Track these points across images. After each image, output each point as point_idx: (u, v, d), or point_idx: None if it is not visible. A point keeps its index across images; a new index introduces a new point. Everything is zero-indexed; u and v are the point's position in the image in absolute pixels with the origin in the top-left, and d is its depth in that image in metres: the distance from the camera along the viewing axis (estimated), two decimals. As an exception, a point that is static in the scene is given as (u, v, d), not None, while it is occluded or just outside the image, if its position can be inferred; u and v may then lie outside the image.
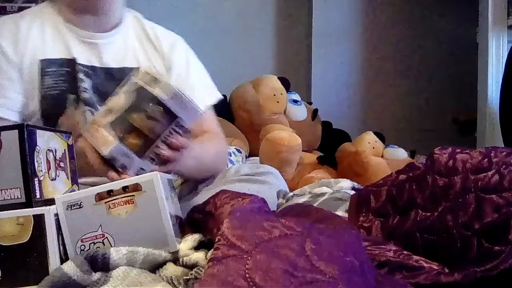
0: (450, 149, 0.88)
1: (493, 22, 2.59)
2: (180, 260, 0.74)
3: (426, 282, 0.70)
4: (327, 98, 3.02)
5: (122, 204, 0.74)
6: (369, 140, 2.41)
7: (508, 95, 2.32)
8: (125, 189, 0.75)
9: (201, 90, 1.32)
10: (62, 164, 0.83)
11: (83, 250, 0.73)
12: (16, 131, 0.73)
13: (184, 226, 0.86)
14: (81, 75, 1.18)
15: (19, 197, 0.73)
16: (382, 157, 2.39)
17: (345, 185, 1.22)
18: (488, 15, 2.59)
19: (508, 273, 0.67)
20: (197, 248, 0.77)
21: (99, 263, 0.69)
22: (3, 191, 0.73)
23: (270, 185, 1.22)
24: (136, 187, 0.75)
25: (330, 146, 2.47)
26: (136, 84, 0.93)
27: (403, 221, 0.87)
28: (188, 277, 0.69)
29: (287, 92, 2.55)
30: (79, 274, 0.66)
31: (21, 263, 0.70)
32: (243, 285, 0.53)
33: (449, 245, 0.77)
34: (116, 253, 0.70)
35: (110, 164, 0.92)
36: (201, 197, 1.07)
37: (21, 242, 0.71)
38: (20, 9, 2.31)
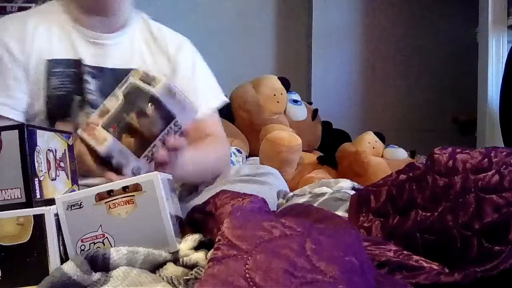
0: (450, 149, 0.88)
1: (493, 22, 2.59)
2: (180, 260, 0.74)
3: (426, 282, 0.70)
4: (327, 98, 3.02)
5: (122, 204, 0.74)
6: (369, 140, 2.41)
7: (508, 95, 2.32)
8: (125, 189, 0.74)
9: (206, 93, 1.32)
10: (62, 164, 0.83)
11: (83, 250, 0.73)
12: (16, 131, 0.73)
13: (184, 226, 0.86)
14: (87, 77, 1.18)
15: (19, 197, 0.73)
16: (382, 157, 2.39)
17: (345, 185, 1.22)
18: (488, 15, 2.59)
19: (508, 273, 0.67)
20: (197, 248, 0.76)
21: (99, 263, 0.69)
22: (3, 191, 0.72)
23: (270, 186, 1.22)
24: (136, 187, 0.75)
25: (330, 146, 2.47)
26: (133, 84, 0.93)
27: (403, 221, 0.87)
28: (188, 277, 0.69)
29: (287, 92, 2.55)
30: (79, 274, 0.66)
31: (21, 263, 0.70)
32: (243, 285, 0.53)
33: (449, 245, 0.77)
34: (116, 253, 0.70)
35: (107, 165, 0.92)
36: (201, 197, 1.07)
37: (21, 242, 0.71)
38: (20, 9, 2.31)
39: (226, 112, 2.39)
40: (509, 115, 2.33)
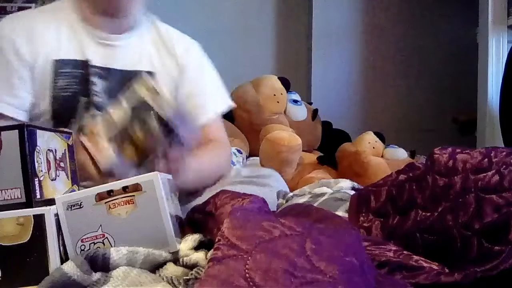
0: (450, 149, 0.88)
1: (493, 22, 2.59)
2: (180, 260, 0.74)
3: (426, 282, 0.70)
4: (327, 98, 3.02)
5: (122, 204, 0.74)
6: (369, 140, 2.41)
7: (508, 95, 2.32)
8: (125, 189, 0.75)
9: (212, 97, 1.32)
10: (62, 164, 0.83)
11: (83, 250, 0.73)
12: (17, 131, 0.73)
13: (184, 226, 0.86)
14: (93, 78, 1.18)
15: (19, 197, 0.73)
16: (382, 157, 2.39)
17: (345, 185, 1.22)
18: (488, 15, 2.59)
19: (508, 273, 0.67)
20: (197, 248, 0.76)
21: (99, 263, 0.69)
22: (3, 191, 0.72)
23: (271, 188, 1.22)
24: (136, 187, 0.75)
25: (330, 146, 2.47)
26: (139, 96, 0.92)
27: (403, 221, 0.87)
28: (188, 277, 0.69)
29: (287, 92, 2.55)
30: (79, 274, 0.66)
31: (21, 263, 0.70)
32: (243, 285, 0.53)
33: (449, 245, 0.77)
34: (116, 253, 0.70)
35: (108, 175, 0.92)
36: (201, 198, 1.07)
37: (21, 242, 0.71)
38: (20, 9, 2.31)
39: (226, 112, 2.39)
40: (509, 115, 2.33)
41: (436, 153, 0.89)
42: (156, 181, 0.75)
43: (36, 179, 0.74)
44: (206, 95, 1.29)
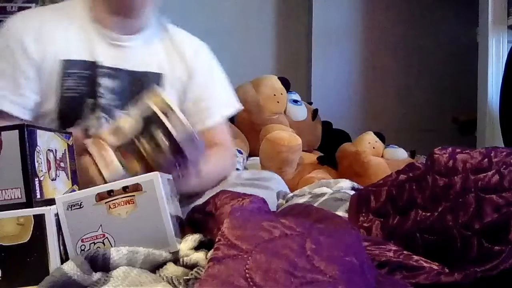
0: (450, 149, 0.88)
1: (493, 22, 2.59)
2: (181, 260, 0.74)
3: (426, 282, 0.70)
4: (327, 98, 3.02)
5: (122, 204, 0.74)
6: (369, 140, 2.41)
7: (508, 95, 2.32)
8: (125, 189, 0.75)
9: (220, 100, 1.32)
10: (62, 164, 0.83)
11: (84, 250, 0.73)
12: (17, 131, 0.73)
13: (184, 226, 0.86)
14: (101, 79, 1.17)
15: (20, 197, 0.73)
16: (382, 157, 2.39)
17: (345, 185, 1.22)
18: (488, 15, 2.59)
19: (508, 273, 0.67)
20: (197, 248, 0.77)
21: (100, 263, 0.69)
22: (3, 191, 0.73)
23: (272, 190, 1.22)
24: (137, 187, 0.75)
25: (330, 146, 2.47)
26: (151, 110, 0.91)
27: (403, 221, 0.87)
28: (188, 277, 0.69)
29: (287, 92, 2.55)
30: (79, 274, 0.66)
31: (21, 263, 0.70)
32: (243, 285, 0.53)
33: (449, 245, 0.77)
34: (117, 253, 0.70)
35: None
36: (202, 199, 1.06)
37: (22, 242, 0.71)
38: (20, 9, 2.31)
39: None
40: (509, 115, 2.33)
41: (436, 153, 0.89)
42: (156, 181, 0.75)
43: (36, 179, 0.74)
44: (214, 98, 1.29)
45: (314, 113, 2.60)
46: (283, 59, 3.13)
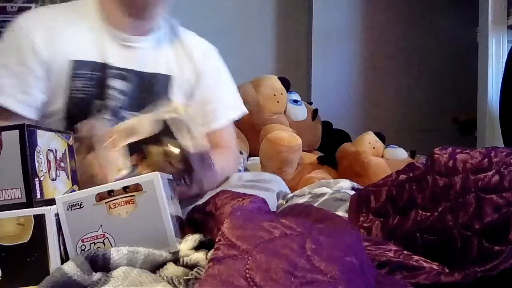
0: (450, 149, 0.88)
1: (493, 22, 2.59)
2: (181, 260, 0.74)
3: (426, 282, 0.70)
4: (327, 98, 3.02)
5: (122, 204, 0.74)
6: (369, 140, 2.41)
7: (508, 95, 2.32)
8: (125, 189, 0.75)
9: (227, 103, 1.33)
10: (62, 164, 0.83)
11: (84, 250, 0.73)
12: (17, 131, 0.73)
13: (184, 226, 0.86)
14: (110, 81, 1.17)
15: (20, 197, 0.73)
16: (382, 157, 2.39)
17: (345, 185, 1.22)
18: (488, 15, 2.59)
19: (508, 273, 0.67)
20: (197, 248, 0.77)
21: (100, 263, 0.69)
22: (3, 191, 0.73)
23: (273, 192, 1.22)
24: (137, 187, 0.75)
25: (330, 146, 2.47)
26: (166, 118, 0.91)
27: (403, 221, 0.87)
28: (188, 277, 0.69)
29: (287, 92, 2.55)
30: (79, 274, 0.66)
31: (21, 263, 0.70)
32: (243, 285, 0.53)
33: (449, 245, 0.77)
34: (117, 253, 0.70)
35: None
36: (203, 199, 1.06)
37: (22, 242, 0.71)
38: (20, 9, 2.30)
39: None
40: (509, 115, 2.33)
41: (436, 153, 0.89)
42: (157, 181, 0.75)
43: (37, 179, 0.74)
44: (221, 101, 1.30)
45: (314, 113, 2.60)
46: (283, 59, 3.12)
